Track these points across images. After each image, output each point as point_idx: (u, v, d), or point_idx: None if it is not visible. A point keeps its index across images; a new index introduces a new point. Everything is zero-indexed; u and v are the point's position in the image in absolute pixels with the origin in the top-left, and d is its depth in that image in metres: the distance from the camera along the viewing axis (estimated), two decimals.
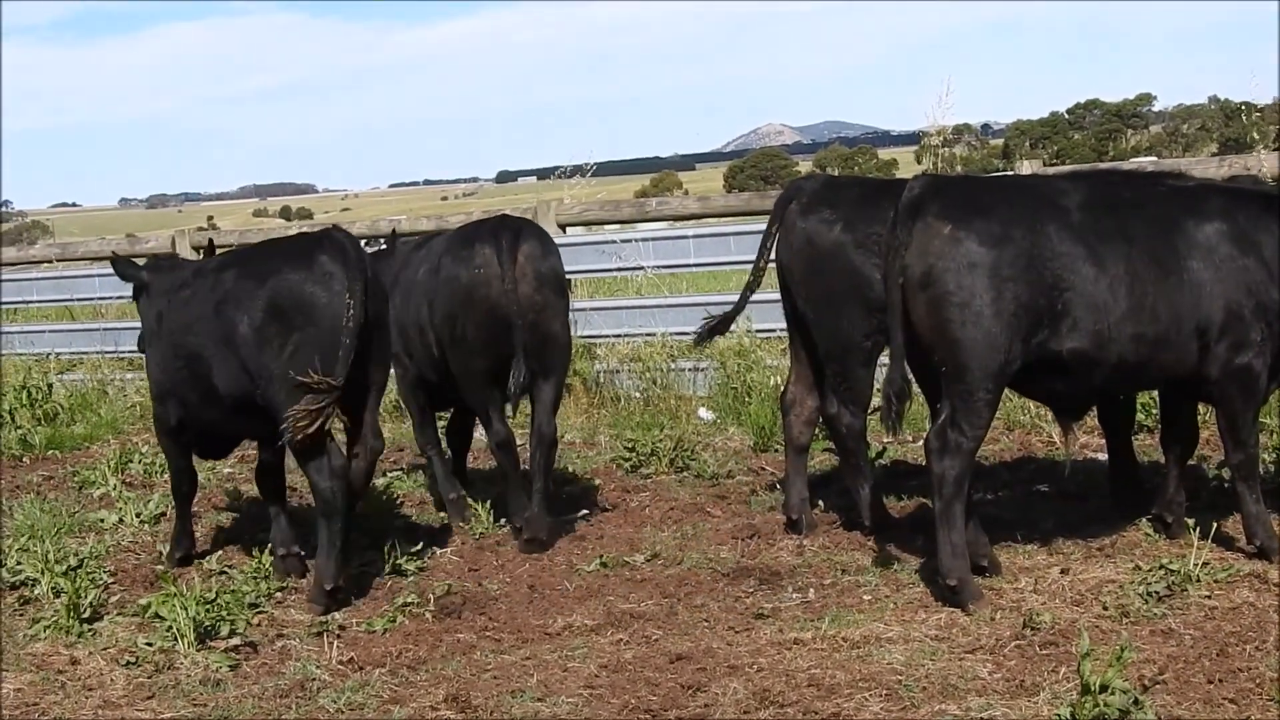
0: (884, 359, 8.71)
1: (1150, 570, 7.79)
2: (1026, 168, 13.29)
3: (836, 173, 57.70)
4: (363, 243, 9.69)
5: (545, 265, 9.81)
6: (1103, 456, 10.01)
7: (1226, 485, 8.98)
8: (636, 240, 15.31)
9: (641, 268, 15.28)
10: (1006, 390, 8.68)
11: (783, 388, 10.01)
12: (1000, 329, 7.64)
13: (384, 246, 11.28)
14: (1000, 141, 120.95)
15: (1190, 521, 8.12)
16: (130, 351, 17.64)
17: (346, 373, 8.36)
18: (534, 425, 9.94)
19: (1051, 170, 12.98)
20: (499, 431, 9.94)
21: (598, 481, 11.61)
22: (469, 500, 10.66)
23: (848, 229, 9.04)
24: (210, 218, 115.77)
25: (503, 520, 10.28)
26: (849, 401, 9.24)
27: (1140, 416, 10.71)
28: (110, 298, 19.54)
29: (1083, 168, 13.12)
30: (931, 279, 7.69)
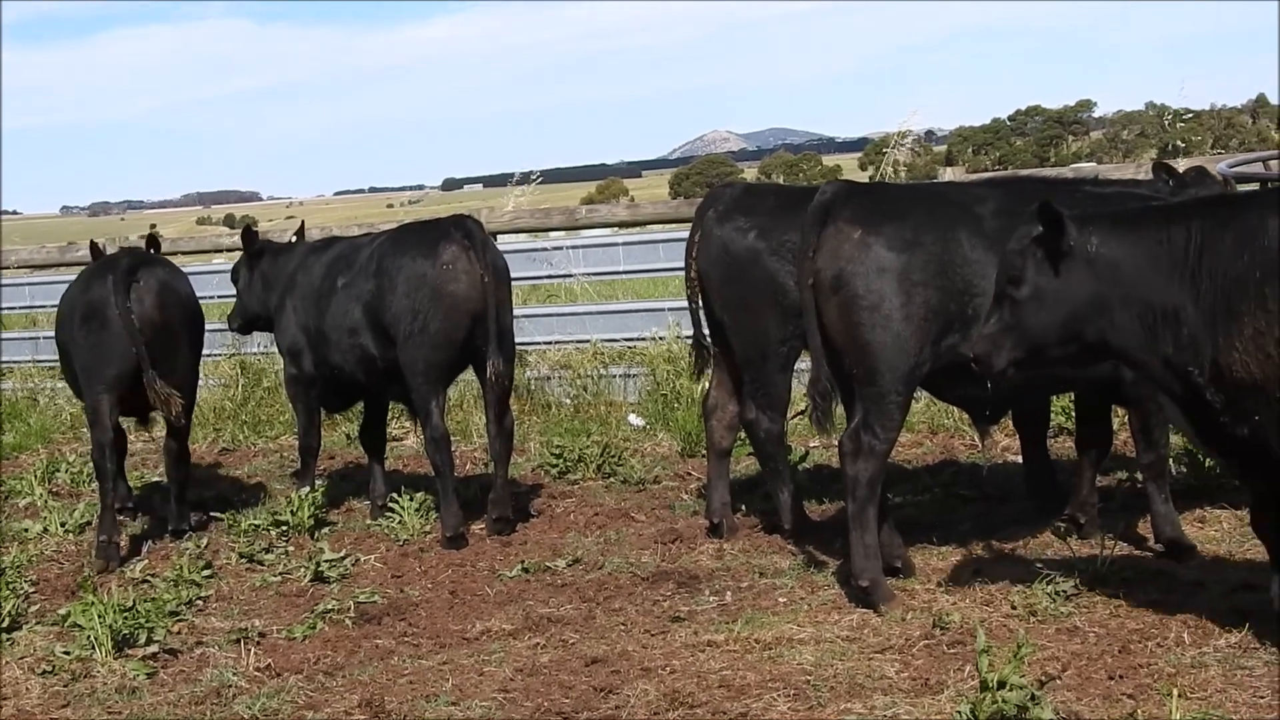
0: (804, 364, 8.82)
1: (1060, 570, 7.89)
2: (949, 174, 13.40)
3: (781, 180, 57.89)
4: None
5: (501, 261, 10.30)
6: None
7: (1139, 486, 9.10)
8: (567, 247, 15.41)
9: (572, 275, 15.36)
10: (930, 395, 8.80)
11: (704, 393, 10.10)
12: (910, 333, 7.73)
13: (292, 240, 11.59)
14: (944, 148, 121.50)
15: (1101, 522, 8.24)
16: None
17: None
18: (492, 416, 10.31)
19: (973, 177, 13.11)
20: (438, 426, 10.18)
21: (525, 488, 11.64)
22: (395, 500, 10.74)
23: (762, 236, 9.13)
24: (153, 225, 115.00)
25: (429, 529, 10.36)
26: (766, 407, 9.32)
27: (1061, 419, 10.85)
28: (42, 306, 19.46)
29: (999, 175, 13.26)
30: (842, 283, 7.78)
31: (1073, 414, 9.83)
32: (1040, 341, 6.96)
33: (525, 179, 19.89)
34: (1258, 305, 6.32)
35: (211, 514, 11.31)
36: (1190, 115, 21.45)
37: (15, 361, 18.77)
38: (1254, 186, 9.70)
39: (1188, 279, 6.55)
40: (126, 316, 10.15)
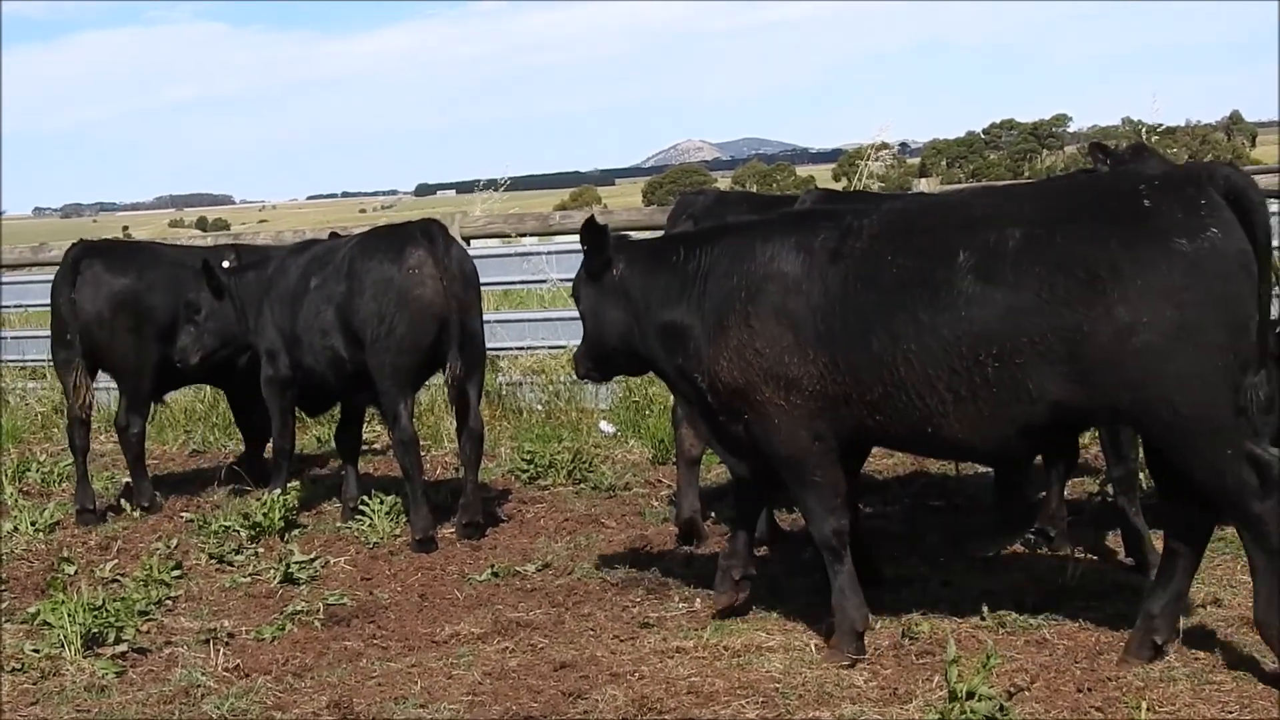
0: None
1: (1029, 582, 7.92)
2: (923, 186, 13.46)
3: (755, 189, 57.91)
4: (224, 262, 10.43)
5: (469, 266, 10.38)
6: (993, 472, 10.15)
7: (1107, 500, 9.14)
8: (542, 253, 15.43)
9: (545, 280, 15.39)
10: None
11: (675, 401, 10.11)
12: None
13: (228, 264, 11.55)
14: (917, 160, 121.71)
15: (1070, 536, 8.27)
16: (34, 360, 17.59)
17: None
18: (462, 421, 10.39)
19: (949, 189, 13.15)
20: (406, 429, 10.21)
21: (495, 492, 11.65)
22: (365, 502, 10.73)
23: None
24: (125, 227, 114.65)
25: (399, 532, 10.37)
26: None
27: None
28: (11, 306, 19.41)
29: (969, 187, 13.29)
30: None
31: None
32: (600, 350, 8.27)
33: (492, 184, 19.93)
34: (741, 320, 7.23)
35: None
36: (1163, 130, 21.53)
37: None
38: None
39: (694, 299, 7.54)
40: (69, 305, 11.52)
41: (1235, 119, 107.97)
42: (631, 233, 14.49)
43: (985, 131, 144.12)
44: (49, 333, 12.13)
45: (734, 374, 7.28)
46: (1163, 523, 7.09)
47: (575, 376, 8.84)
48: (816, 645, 7.43)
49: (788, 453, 7.29)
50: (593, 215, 8.44)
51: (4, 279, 19.37)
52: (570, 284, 15.46)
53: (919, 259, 6.80)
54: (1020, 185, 8.07)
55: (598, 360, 8.41)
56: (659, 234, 9.30)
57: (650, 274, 7.82)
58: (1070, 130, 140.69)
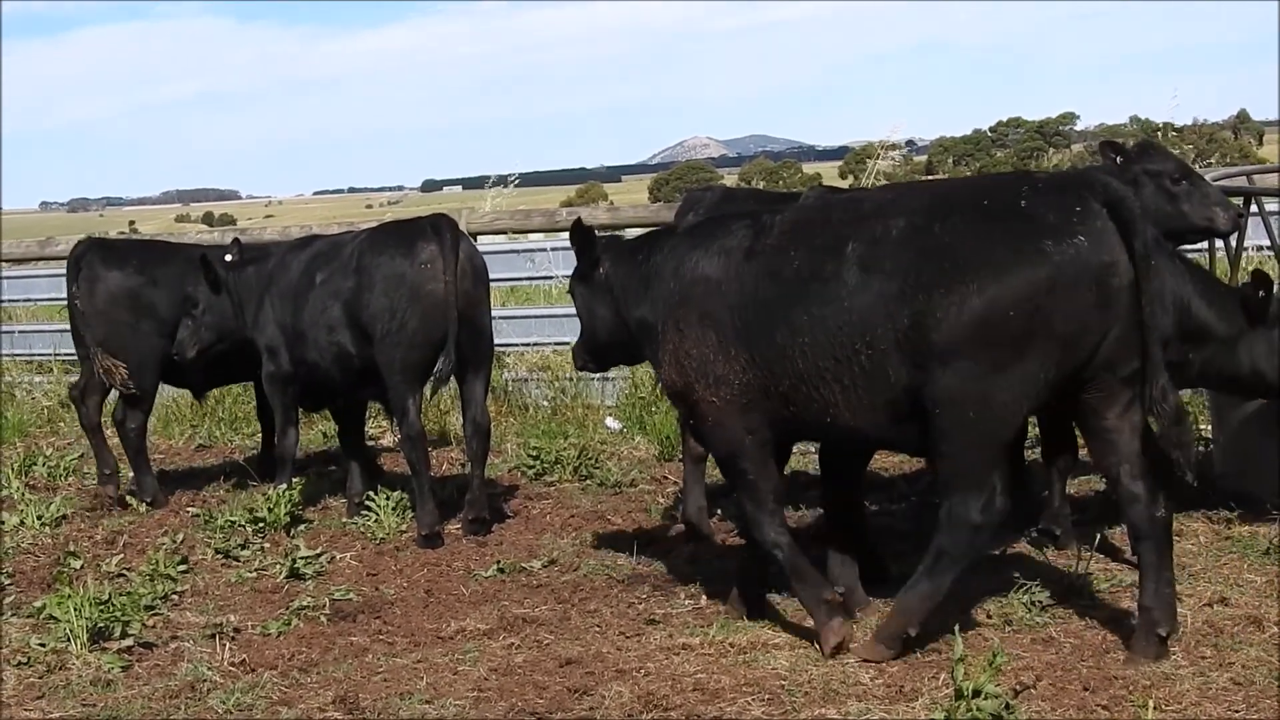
0: None
1: (1035, 580, 7.91)
2: None
3: (761, 186, 57.90)
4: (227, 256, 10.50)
5: (479, 261, 10.42)
6: None
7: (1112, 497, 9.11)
8: (548, 249, 15.43)
9: (552, 276, 15.39)
10: None
11: None
12: None
13: (230, 259, 11.48)
14: (924, 158, 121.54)
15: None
16: (40, 354, 17.64)
17: None
18: (468, 415, 10.46)
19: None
20: (414, 424, 10.23)
21: (502, 488, 11.65)
22: (371, 498, 10.72)
23: None
24: (132, 222, 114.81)
25: (405, 528, 10.37)
26: None
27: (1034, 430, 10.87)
28: (18, 301, 19.45)
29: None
30: None
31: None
32: (594, 344, 8.54)
33: (502, 181, 19.92)
34: (674, 324, 7.53)
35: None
36: (1169, 128, 21.50)
37: None
38: (1238, 200, 9.73)
39: (651, 300, 7.82)
40: (72, 300, 11.96)
41: (1242, 118, 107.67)
42: (638, 229, 14.53)
43: (992, 129, 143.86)
44: (58, 327, 12.49)
45: (673, 375, 7.60)
46: (1125, 522, 7.18)
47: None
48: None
49: (724, 451, 7.61)
50: (579, 218, 8.55)
51: (11, 273, 19.41)
52: None
53: (814, 254, 7.11)
54: (927, 180, 8.47)
55: (592, 353, 8.69)
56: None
57: (628, 274, 8.09)
58: (1077, 129, 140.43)
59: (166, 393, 14.17)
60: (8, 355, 18.52)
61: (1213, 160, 20.88)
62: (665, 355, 7.61)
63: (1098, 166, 9.13)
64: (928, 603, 7.07)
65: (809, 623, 7.59)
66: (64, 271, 12.31)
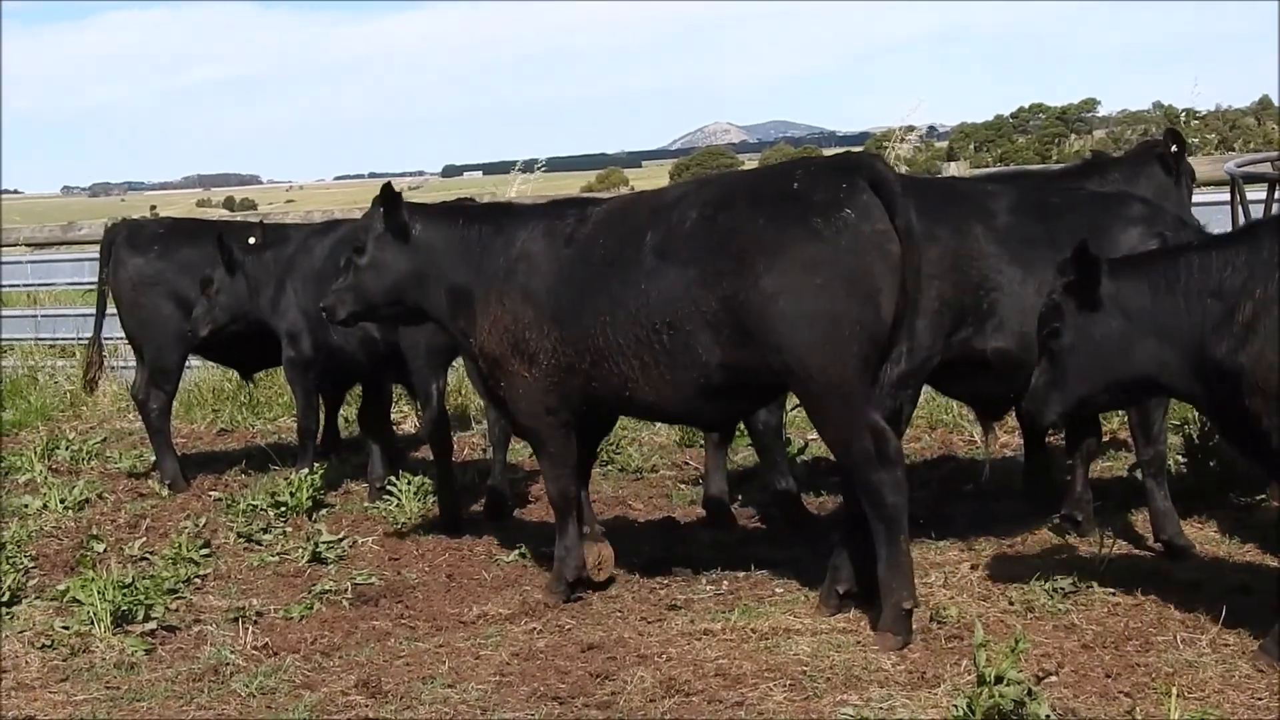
0: None
1: (1058, 567, 7.90)
2: (951, 169, 13.43)
3: None
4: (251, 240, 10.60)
5: None
6: (1022, 455, 10.13)
7: (1136, 483, 9.11)
8: None
9: None
10: (930, 389, 8.88)
11: None
12: (923, 326, 7.72)
13: (253, 241, 11.49)
14: (945, 144, 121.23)
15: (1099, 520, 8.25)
16: (65, 339, 17.70)
17: None
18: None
19: (981, 171, 13.14)
20: (437, 409, 10.27)
21: (523, 473, 11.66)
22: (392, 483, 10.73)
23: None
24: (153, 206, 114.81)
25: (426, 513, 10.38)
26: None
27: None
28: (42, 284, 19.49)
29: (1005, 170, 13.28)
30: None
31: None
32: (371, 296, 8.59)
33: (529, 166, 19.88)
34: (497, 297, 8.07)
35: None
36: (1192, 114, 21.46)
37: (16, 339, 18.79)
38: (1262, 186, 9.73)
39: (475, 270, 8.25)
40: (102, 285, 12.43)
41: (1265, 104, 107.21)
42: None
43: (1013, 115, 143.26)
44: (81, 311, 12.60)
45: (492, 345, 8.09)
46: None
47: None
48: (842, 629, 7.43)
49: (527, 422, 8.20)
50: (389, 182, 8.86)
51: (33, 258, 19.47)
52: None
53: (617, 241, 7.71)
54: (718, 174, 8.90)
55: (363, 304, 8.70)
56: None
57: (445, 239, 8.41)
58: (1099, 115, 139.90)
59: (188, 376, 14.23)
60: (31, 339, 18.56)
61: (1236, 146, 20.82)
62: (485, 324, 8.09)
63: (1097, 153, 9.21)
64: (899, 571, 7.19)
65: (822, 612, 7.66)
66: (87, 256, 12.38)
